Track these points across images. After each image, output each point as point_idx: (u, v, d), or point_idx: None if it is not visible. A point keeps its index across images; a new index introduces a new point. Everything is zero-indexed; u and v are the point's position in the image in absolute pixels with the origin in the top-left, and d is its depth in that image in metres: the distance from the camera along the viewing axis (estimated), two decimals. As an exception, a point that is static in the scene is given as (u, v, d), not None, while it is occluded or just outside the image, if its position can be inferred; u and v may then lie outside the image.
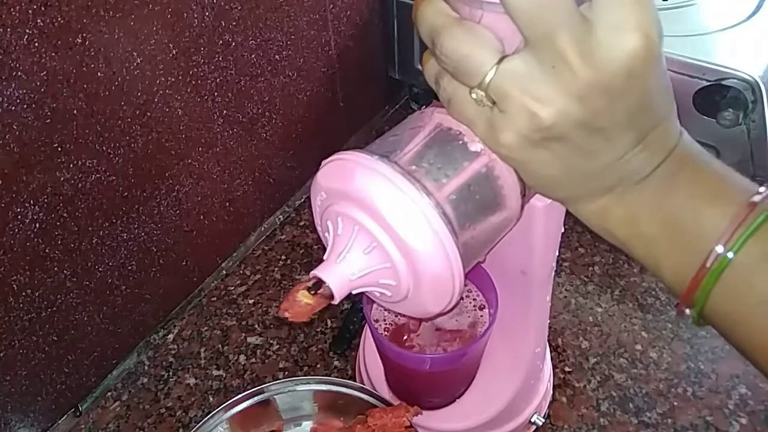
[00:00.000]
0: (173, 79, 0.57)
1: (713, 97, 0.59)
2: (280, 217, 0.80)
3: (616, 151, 0.30)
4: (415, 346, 0.49)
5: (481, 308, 0.50)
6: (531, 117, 0.28)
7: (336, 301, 0.33)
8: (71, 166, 0.51)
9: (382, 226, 0.31)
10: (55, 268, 0.54)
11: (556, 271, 0.47)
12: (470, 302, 0.50)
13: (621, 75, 0.27)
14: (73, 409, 0.63)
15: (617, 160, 0.30)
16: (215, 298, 0.72)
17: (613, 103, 0.28)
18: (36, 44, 0.45)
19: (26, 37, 0.44)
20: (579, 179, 0.31)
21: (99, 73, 0.50)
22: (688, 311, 0.31)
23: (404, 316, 0.50)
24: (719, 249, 0.29)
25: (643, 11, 0.26)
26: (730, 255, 0.29)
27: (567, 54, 0.26)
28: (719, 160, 0.31)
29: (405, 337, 0.49)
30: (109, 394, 0.64)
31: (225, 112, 0.64)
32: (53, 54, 0.46)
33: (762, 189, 0.29)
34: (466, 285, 0.34)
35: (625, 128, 0.29)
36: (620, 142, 0.29)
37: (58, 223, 0.53)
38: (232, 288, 0.73)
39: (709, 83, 0.59)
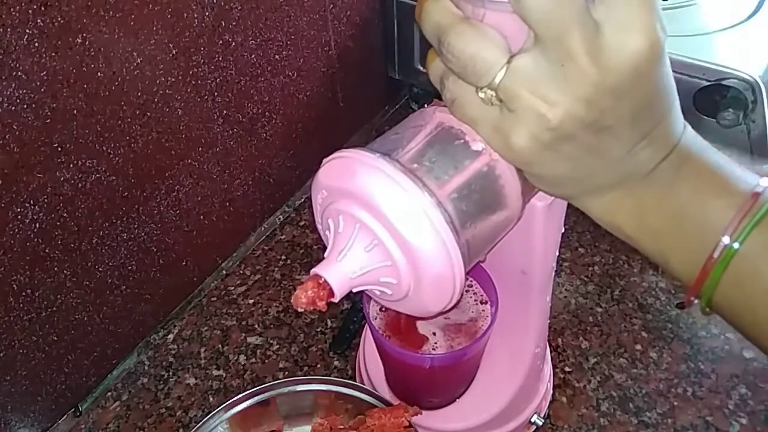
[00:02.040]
0: (173, 79, 0.57)
1: (713, 97, 0.59)
2: (280, 217, 0.80)
3: (621, 147, 0.30)
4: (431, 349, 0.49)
5: (483, 303, 0.50)
6: (539, 118, 0.28)
7: (336, 299, 0.33)
8: (71, 166, 0.51)
9: (383, 224, 0.31)
10: (55, 268, 0.54)
11: (556, 271, 0.47)
12: (471, 297, 0.50)
13: (627, 75, 0.27)
14: (73, 409, 0.63)
15: (623, 156, 0.30)
16: (215, 298, 0.72)
17: (619, 102, 0.28)
18: (36, 44, 0.45)
19: (26, 37, 0.44)
20: (585, 176, 0.31)
21: (99, 73, 0.50)
22: (696, 301, 0.32)
23: (404, 314, 0.50)
24: (725, 240, 0.29)
25: (649, 12, 0.26)
26: (736, 245, 0.29)
27: (577, 53, 0.26)
28: (723, 153, 0.31)
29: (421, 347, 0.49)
30: (109, 394, 0.64)
31: (225, 112, 0.64)
32: (53, 54, 0.46)
33: (765, 179, 0.29)
34: (466, 280, 0.34)
35: (630, 125, 0.29)
36: (625, 139, 0.30)
37: (58, 223, 0.52)
38: (232, 288, 0.73)
39: (709, 83, 0.59)
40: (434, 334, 0.50)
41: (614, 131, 0.29)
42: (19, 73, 0.45)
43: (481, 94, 0.30)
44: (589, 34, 0.26)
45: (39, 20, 0.44)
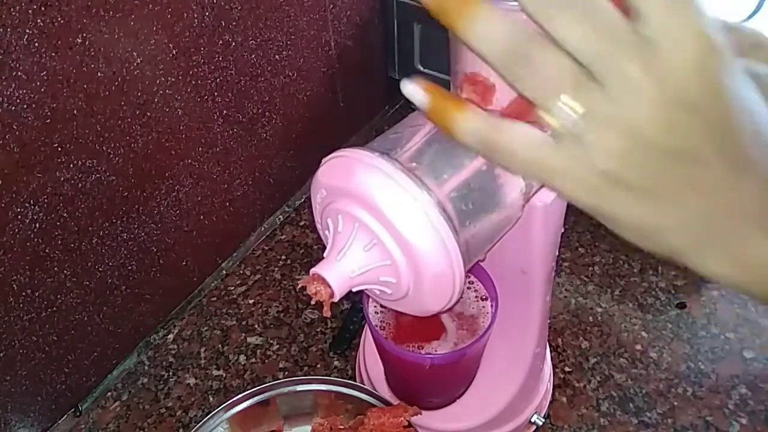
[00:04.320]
0: (173, 79, 0.57)
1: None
2: (280, 217, 0.80)
3: (713, 175, 0.26)
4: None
5: (483, 299, 0.50)
6: (609, 151, 0.25)
7: (336, 299, 0.33)
8: (71, 166, 0.51)
9: (382, 223, 0.31)
10: (55, 268, 0.54)
11: (556, 271, 0.47)
12: (472, 293, 0.50)
13: (692, 82, 0.25)
14: (73, 409, 0.63)
15: (722, 187, 0.26)
16: (215, 298, 0.72)
17: (694, 116, 0.25)
18: (36, 44, 0.45)
19: (26, 37, 0.44)
20: (685, 219, 0.27)
21: (99, 73, 0.50)
22: None
23: (405, 314, 0.50)
24: None
25: (693, 15, 0.25)
26: None
27: (635, 77, 0.25)
28: None
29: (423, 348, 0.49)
30: (109, 394, 0.64)
31: (225, 112, 0.65)
32: (53, 54, 0.46)
33: None
34: (466, 277, 0.34)
35: (712, 145, 0.26)
36: (714, 164, 0.26)
37: (58, 223, 0.53)
38: (232, 288, 0.73)
39: (708, 83, 0.59)
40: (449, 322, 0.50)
41: (697, 154, 0.25)
42: (19, 73, 0.45)
43: (552, 119, 0.26)
44: (642, 54, 0.25)
45: (39, 20, 0.44)
